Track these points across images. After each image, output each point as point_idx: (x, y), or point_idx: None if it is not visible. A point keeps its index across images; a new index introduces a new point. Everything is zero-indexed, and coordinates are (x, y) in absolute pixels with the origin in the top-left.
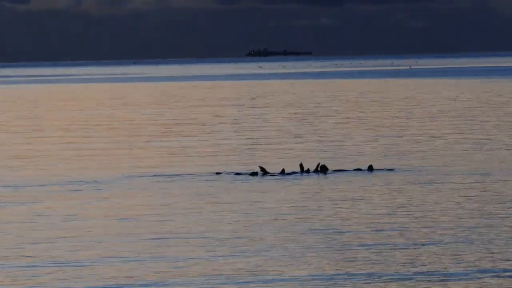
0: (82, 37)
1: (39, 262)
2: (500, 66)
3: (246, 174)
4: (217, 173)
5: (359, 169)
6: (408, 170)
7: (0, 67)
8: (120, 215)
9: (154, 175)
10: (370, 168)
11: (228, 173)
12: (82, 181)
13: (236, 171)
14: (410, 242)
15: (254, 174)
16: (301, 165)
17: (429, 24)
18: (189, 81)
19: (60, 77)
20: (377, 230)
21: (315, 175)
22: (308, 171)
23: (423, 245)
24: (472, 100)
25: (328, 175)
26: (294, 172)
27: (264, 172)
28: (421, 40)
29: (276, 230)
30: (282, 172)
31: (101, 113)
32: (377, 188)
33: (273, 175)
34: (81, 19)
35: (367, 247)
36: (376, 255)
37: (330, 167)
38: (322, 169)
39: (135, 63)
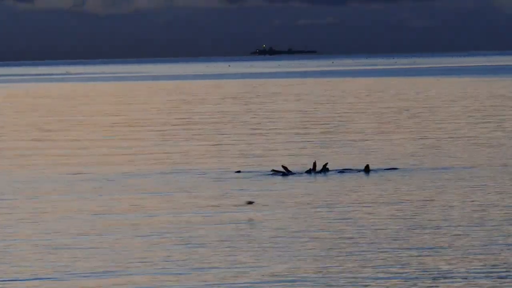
0: (84, 36)
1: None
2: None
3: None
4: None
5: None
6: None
7: (1, 66)
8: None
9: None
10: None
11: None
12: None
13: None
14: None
15: (276, 172)
16: (314, 164)
17: (433, 23)
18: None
19: (74, 76)
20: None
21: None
22: (322, 170)
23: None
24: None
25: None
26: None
27: (287, 171)
28: (425, 39)
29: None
30: (309, 171)
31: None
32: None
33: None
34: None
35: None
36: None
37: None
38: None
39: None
